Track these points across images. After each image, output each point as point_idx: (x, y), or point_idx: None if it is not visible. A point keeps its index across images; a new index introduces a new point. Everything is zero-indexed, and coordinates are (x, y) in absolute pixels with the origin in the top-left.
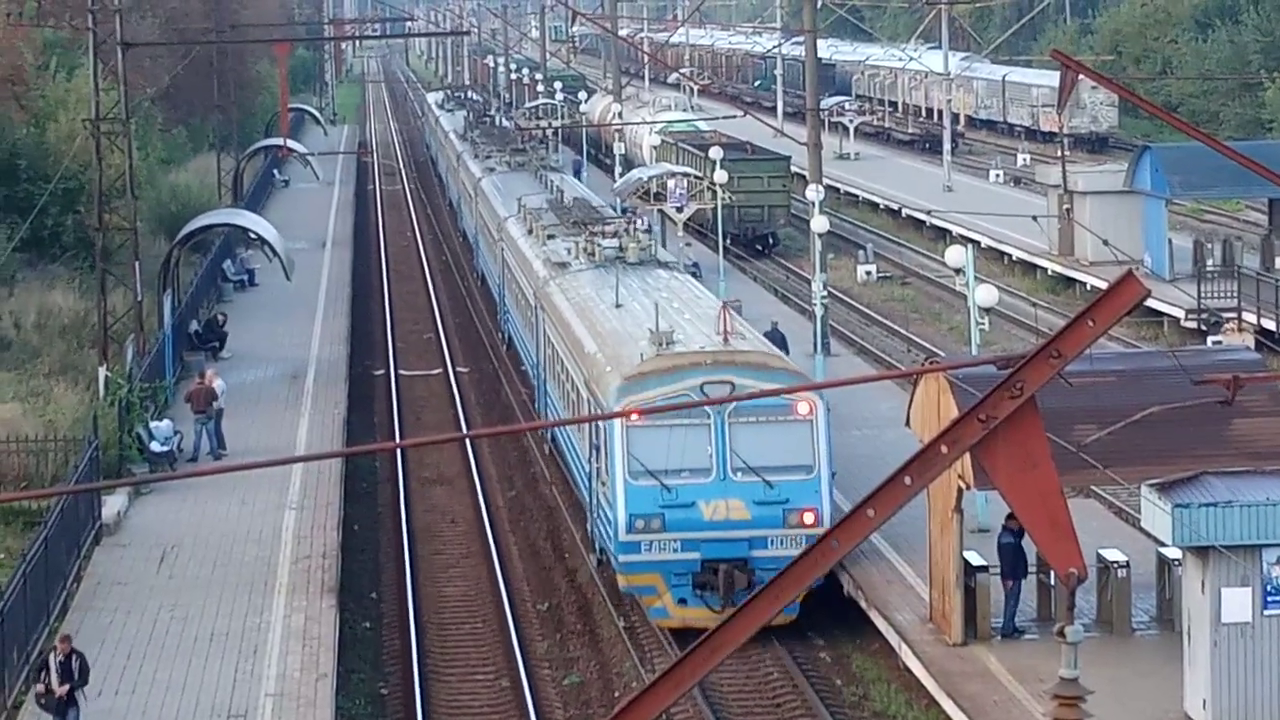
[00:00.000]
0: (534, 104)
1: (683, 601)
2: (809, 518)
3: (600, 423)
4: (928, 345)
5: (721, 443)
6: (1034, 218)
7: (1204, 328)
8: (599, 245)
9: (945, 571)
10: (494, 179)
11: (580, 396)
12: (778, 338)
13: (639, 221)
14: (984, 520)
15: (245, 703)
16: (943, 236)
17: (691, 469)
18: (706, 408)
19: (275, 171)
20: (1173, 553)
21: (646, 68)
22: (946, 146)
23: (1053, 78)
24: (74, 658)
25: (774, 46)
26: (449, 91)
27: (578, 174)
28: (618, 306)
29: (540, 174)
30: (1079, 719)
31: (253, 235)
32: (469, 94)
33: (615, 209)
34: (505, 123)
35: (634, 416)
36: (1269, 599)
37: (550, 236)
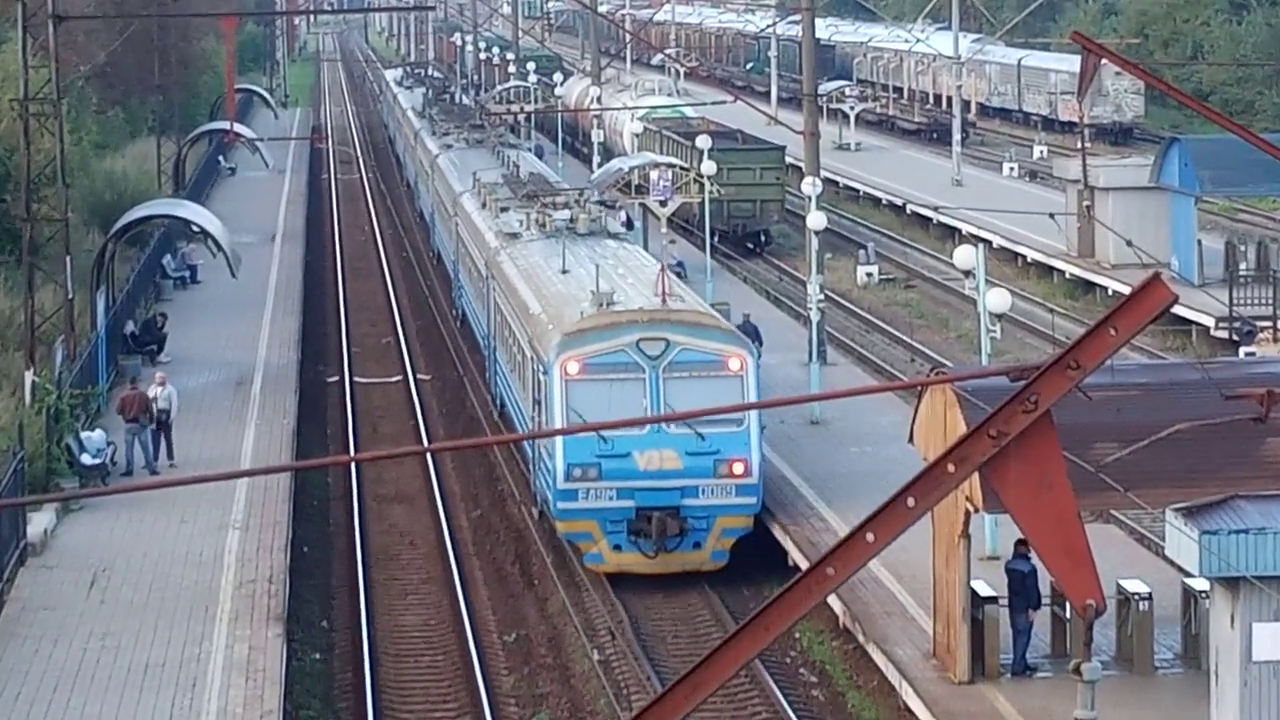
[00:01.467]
0: (504, 87)
1: (618, 548)
2: (739, 468)
3: (540, 376)
4: (933, 354)
5: (656, 396)
6: (1051, 215)
7: (1236, 337)
8: (550, 216)
9: (950, 602)
10: (451, 155)
11: (525, 357)
12: (750, 330)
13: (590, 193)
14: (993, 547)
15: None
16: (951, 235)
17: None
18: (640, 362)
19: (221, 158)
20: (1200, 584)
21: (628, 48)
22: (956, 137)
23: (1073, 62)
24: None
25: (768, 25)
26: (408, 68)
27: (539, 158)
28: (564, 272)
29: (498, 150)
30: None
31: (195, 228)
32: (429, 71)
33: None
34: (465, 100)
35: (573, 369)
36: None
37: (503, 209)
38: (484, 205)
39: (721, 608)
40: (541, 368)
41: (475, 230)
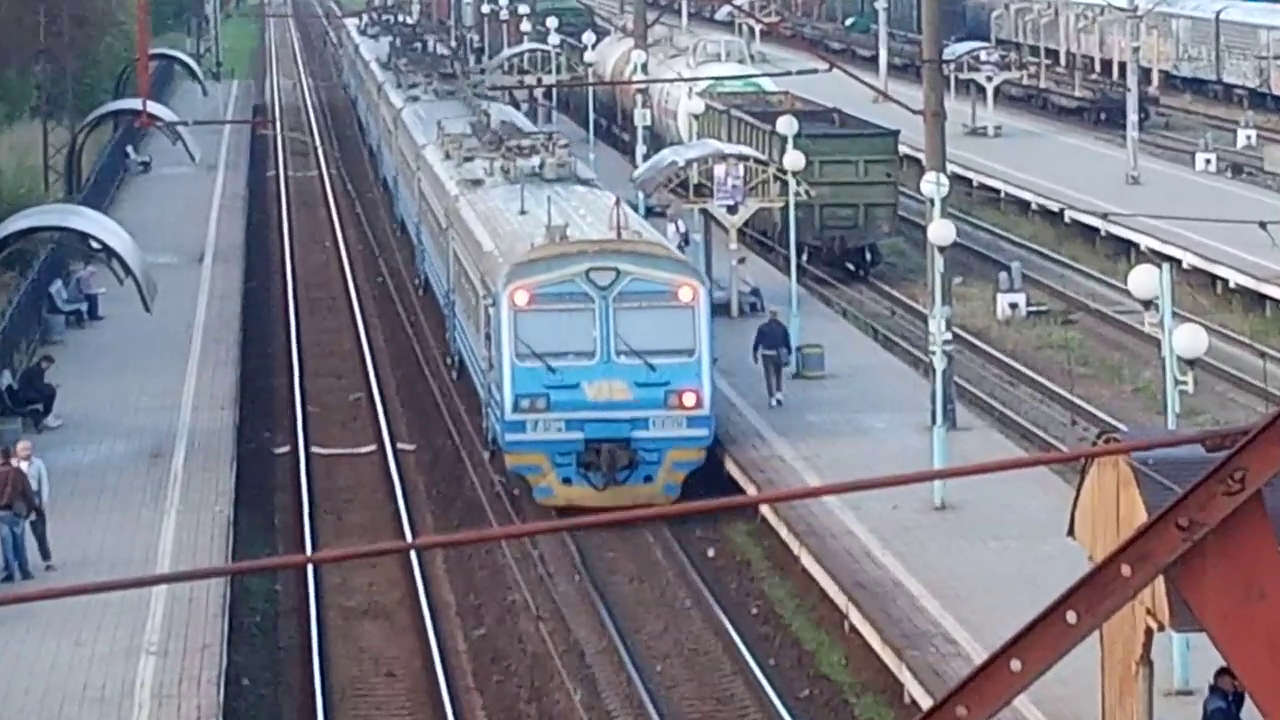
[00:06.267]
0: (514, 51)
1: (567, 481)
2: (690, 399)
3: (489, 310)
4: (1102, 415)
5: (605, 326)
6: (1262, 225)
7: None
8: (515, 162)
9: None
10: (417, 108)
11: (479, 298)
12: (779, 333)
13: (559, 137)
14: (1184, 677)
15: None
16: (1125, 252)
17: (576, 351)
18: (590, 292)
19: (130, 149)
20: None
21: None
22: (1132, 118)
23: None
24: None
25: None
26: (374, 14)
27: None
28: (522, 213)
29: (469, 100)
30: None
31: (95, 244)
32: (397, 16)
33: (638, 207)
34: (441, 49)
35: (521, 300)
36: None
37: (468, 159)
38: (447, 156)
39: (674, 543)
40: (490, 300)
41: (437, 183)
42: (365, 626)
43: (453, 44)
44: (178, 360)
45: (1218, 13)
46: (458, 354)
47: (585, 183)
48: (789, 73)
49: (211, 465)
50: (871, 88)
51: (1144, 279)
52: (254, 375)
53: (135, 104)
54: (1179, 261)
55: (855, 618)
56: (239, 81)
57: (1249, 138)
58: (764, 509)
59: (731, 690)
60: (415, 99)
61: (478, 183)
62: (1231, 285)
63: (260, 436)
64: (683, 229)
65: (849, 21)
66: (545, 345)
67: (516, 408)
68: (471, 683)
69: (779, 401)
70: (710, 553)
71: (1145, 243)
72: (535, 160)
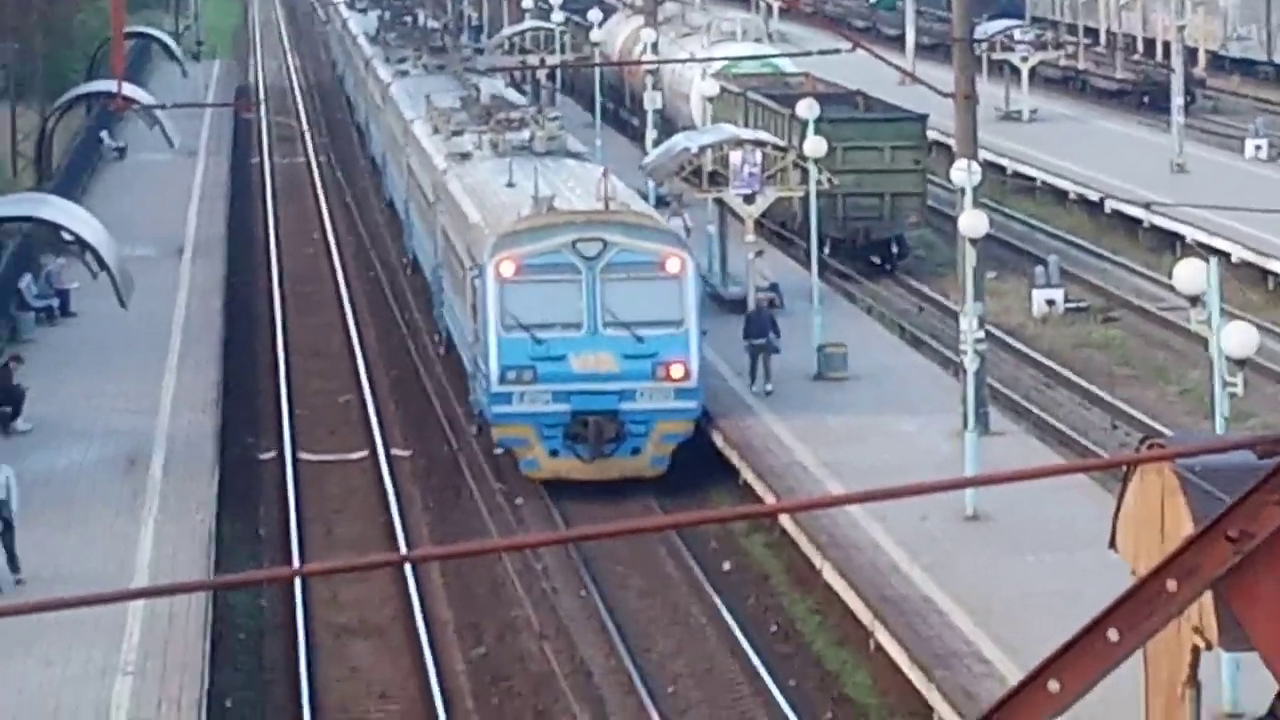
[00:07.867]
0: (515, 29)
1: (554, 453)
2: (677, 370)
3: (475, 281)
4: (1145, 419)
5: (592, 297)
6: None
7: None
8: (504, 136)
9: None
10: (405, 83)
11: (465, 270)
12: (766, 319)
13: (550, 110)
14: (1234, 699)
15: None
16: (1170, 245)
17: (563, 323)
18: (577, 263)
19: (104, 134)
20: None
21: None
22: (1177, 101)
23: None
24: None
25: None
26: None
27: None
28: (510, 185)
29: (460, 75)
30: None
31: (67, 236)
32: None
33: (648, 195)
34: (431, 22)
35: (507, 271)
36: None
37: (456, 133)
38: (436, 130)
39: (687, 555)
40: (476, 271)
41: (425, 158)
42: (356, 645)
43: (445, 17)
44: (156, 360)
45: None
46: (445, 331)
47: (575, 156)
48: (809, 53)
49: (192, 472)
50: (898, 69)
51: (1190, 274)
52: (237, 376)
53: (110, 86)
54: (1228, 255)
55: (881, 635)
56: (221, 61)
57: None
58: (784, 519)
59: (749, 713)
60: (404, 74)
61: (466, 156)
62: None
63: (244, 441)
64: (689, 224)
65: None
66: (532, 316)
67: (503, 379)
68: (470, 705)
69: (768, 391)
70: (726, 566)
71: (1191, 235)
72: (525, 133)
